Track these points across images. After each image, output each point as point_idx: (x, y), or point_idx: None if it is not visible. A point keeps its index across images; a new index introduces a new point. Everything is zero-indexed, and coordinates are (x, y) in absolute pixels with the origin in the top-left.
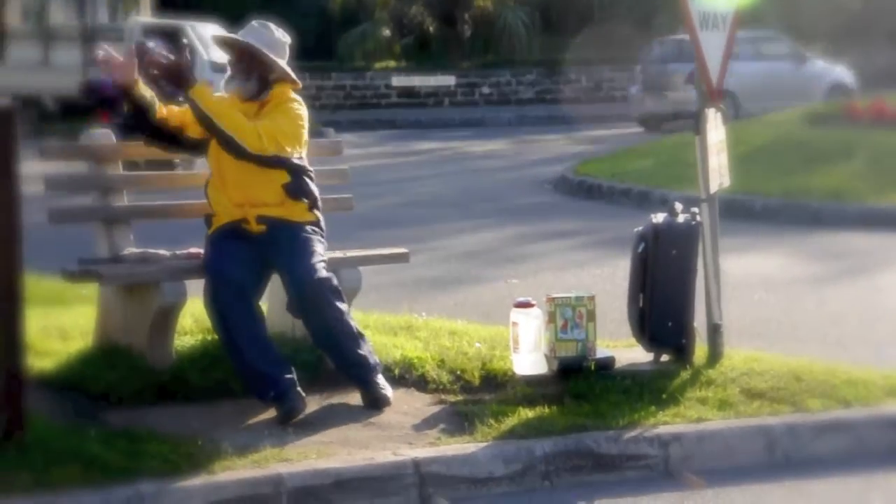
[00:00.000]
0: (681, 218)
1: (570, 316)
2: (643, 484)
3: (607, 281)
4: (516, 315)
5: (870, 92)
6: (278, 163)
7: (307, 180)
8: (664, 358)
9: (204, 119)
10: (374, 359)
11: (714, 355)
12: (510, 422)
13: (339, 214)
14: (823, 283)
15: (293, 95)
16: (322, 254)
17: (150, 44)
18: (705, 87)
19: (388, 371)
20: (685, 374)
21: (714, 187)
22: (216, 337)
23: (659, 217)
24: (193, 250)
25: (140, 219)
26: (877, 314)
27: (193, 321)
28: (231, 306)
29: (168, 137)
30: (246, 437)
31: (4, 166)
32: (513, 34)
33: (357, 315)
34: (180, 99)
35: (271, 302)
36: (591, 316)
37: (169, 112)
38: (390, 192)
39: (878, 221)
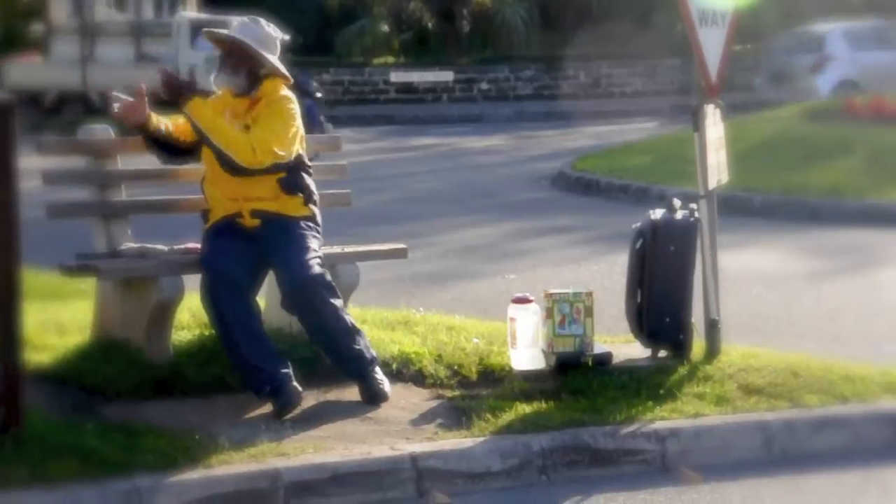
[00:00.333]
0: (679, 214)
1: (567, 311)
2: (640, 479)
3: (605, 277)
4: (514, 310)
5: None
6: (276, 169)
7: (303, 175)
8: (662, 353)
9: (199, 133)
10: (370, 353)
11: (712, 351)
12: (507, 417)
13: (337, 210)
14: (821, 279)
15: (284, 92)
16: (316, 250)
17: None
18: (704, 82)
19: (385, 366)
20: (683, 370)
21: (713, 184)
22: (213, 332)
23: (657, 213)
24: (191, 245)
25: (138, 214)
26: (874, 310)
27: (191, 316)
28: (227, 301)
29: (173, 150)
30: (243, 432)
31: (3, 161)
32: (511, 30)
33: (355, 310)
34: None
35: (269, 297)
36: (589, 312)
37: (176, 128)
38: (388, 188)
39: (876, 218)
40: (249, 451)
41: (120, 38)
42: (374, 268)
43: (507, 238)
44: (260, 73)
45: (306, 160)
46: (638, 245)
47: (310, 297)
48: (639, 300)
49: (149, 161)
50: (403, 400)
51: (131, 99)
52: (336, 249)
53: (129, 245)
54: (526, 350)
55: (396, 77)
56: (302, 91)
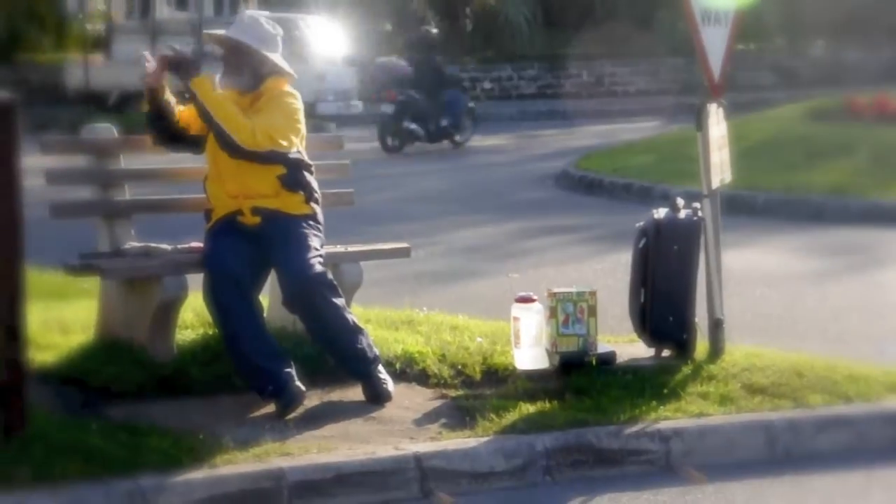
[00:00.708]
0: (682, 213)
1: (571, 311)
2: (644, 479)
3: (608, 276)
4: (517, 310)
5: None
6: (273, 158)
7: (305, 173)
8: (665, 353)
9: (202, 110)
10: (373, 352)
11: (715, 350)
12: (511, 417)
13: (340, 209)
14: (825, 278)
15: (288, 89)
16: (318, 248)
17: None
18: (707, 81)
19: (389, 366)
20: (686, 370)
21: (716, 183)
22: (217, 331)
23: (660, 212)
24: (195, 244)
25: (141, 213)
26: (878, 310)
27: (195, 315)
28: (230, 300)
29: (178, 138)
30: (247, 432)
31: (6, 160)
32: (514, 29)
33: (358, 310)
34: (186, 96)
35: (272, 296)
36: (593, 311)
37: (180, 115)
38: (391, 187)
39: (880, 217)
40: (254, 451)
41: (181, 36)
42: (377, 267)
43: (510, 237)
44: (262, 71)
45: (307, 159)
46: (641, 244)
47: (311, 296)
48: (642, 299)
49: (152, 160)
50: (407, 400)
51: (154, 63)
52: (339, 249)
53: (133, 244)
54: (529, 349)
55: None
56: (451, 81)
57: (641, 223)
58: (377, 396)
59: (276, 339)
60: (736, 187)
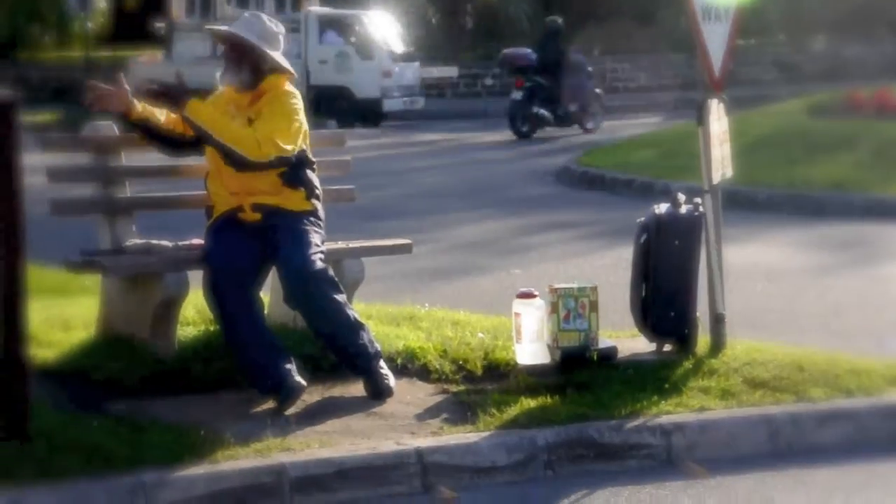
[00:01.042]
0: (684, 208)
1: (572, 306)
2: (645, 473)
3: (610, 271)
4: (519, 305)
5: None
6: (280, 164)
7: (306, 170)
8: (667, 348)
9: (203, 134)
10: (374, 348)
11: (716, 345)
12: (513, 411)
13: (342, 205)
14: (826, 273)
15: (288, 87)
16: (318, 245)
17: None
18: (708, 77)
19: (390, 361)
20: (688, 364)
21: (717, 178)
22: (218, 327)
23: (662, 208)
24: (196, 241)
25: (142, 210)
26: (879, 304)
27: (196, 312)
28: (229, 296)
29: (177, 143)
30: (248, 427)
31: (6, 157)
32: (515, 25)
33: (360, 306)
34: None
35: (274, 293)
36: (594, 306)
37: (168, 119)
38: (393, 184)
39: (881, 212)
40: (255, 447)
41: None
42: (379, 263)
43: (511, 233)
44: (263, 68)
45: (310, 155)
46: (642, 239)
47: (311, 292)
48: (643, 295)
49: (153, 157)
50: (409, 395)
51: (109, 87)
52: (341, 245)
53: (134, 241)
54: (531, 345)
55: None
56: (576, 68)
57: (643, 218)
58: (378, 392)
59: (275, 335)
60: (737, 182)
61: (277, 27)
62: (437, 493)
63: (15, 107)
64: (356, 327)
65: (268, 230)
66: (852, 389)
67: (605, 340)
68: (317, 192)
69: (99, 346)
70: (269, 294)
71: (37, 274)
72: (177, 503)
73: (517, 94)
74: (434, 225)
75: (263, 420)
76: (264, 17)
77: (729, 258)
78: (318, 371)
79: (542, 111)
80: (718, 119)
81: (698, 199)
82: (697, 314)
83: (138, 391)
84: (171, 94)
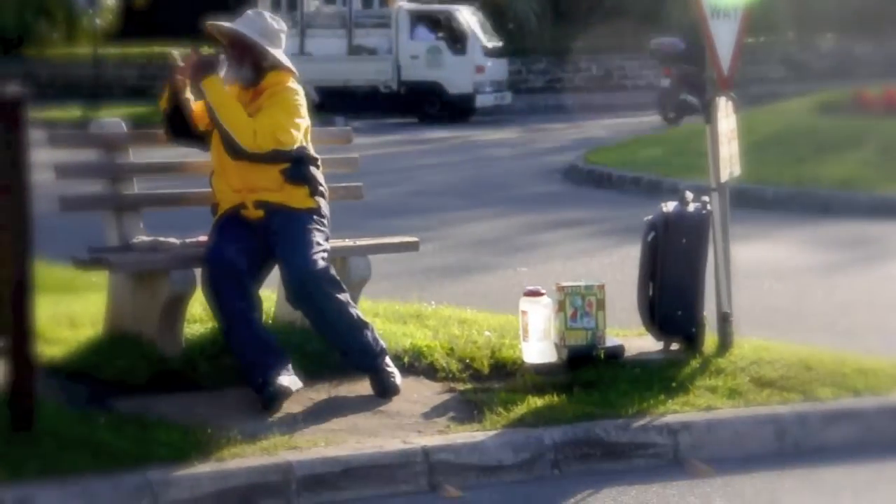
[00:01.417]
0: (691, 207)
1: (579, 305)
2: (652, 472)
3: (617, 270)
4: (526, 304)
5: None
6: (277, 158)
7: (310, 167)
8: (674, 347)
9: (210, 111)
10: (379, 345)
11: (724, 344)
12: (519, 410)
13: (349, 203)
14: (834, 272)
15: (290, 85)
16: (321, 243)
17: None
18: (716, 75)
19: (397, 359)
20: (695, 363)
21: (725, 176)
22: None
23: (669, 206)
24: (203, 238)
25: (150, 207)
26: (887, 303)
27: (203, 309)
28: (226, 292)
29: (190, 134)
30: (255, 425)
31: (15, 154)
32: (523, 23)
33: (366, 303)
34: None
35: (280, 290)
36: (601, 305)
37: (194, 111)
38: (400, 181)
39: (888, 210)
40: (261, 445)
41: (331, 30)
42: (385, 261)
43: (518, 231)
44: (263, 65)
45: (313, 152)
46: (650, 238)
47: (312, 291)
48: (651, 293)
49: (160, 155)
50: (415, 393)
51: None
52: (348, 243)
53: (142, 238)
54: (538, 343)
55: None
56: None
57: (650, 217)
58: (385, 390)
59: (275, 334)
60: (745, 181)
61: (279, 25)
62: (443, 492)
63: (23, 104)
64: (359, 326)
65: (270, 227)
66: (860, 389)
67: (612, 339)
68: (321, 189)
69: (106, 343)
70: (276, 292)
71: (45, 270)
72: (183, 501)
73: (665, 82)
74: (441, 223)
75: (270, 418)
76: (266, 14)
77: (736, 256)
78: (325, 369)
79: (690, 98)
80: (726, 117)
81: (706, 198)
82: (705, 313)
83: (145, 389)
84: (207, 66)
